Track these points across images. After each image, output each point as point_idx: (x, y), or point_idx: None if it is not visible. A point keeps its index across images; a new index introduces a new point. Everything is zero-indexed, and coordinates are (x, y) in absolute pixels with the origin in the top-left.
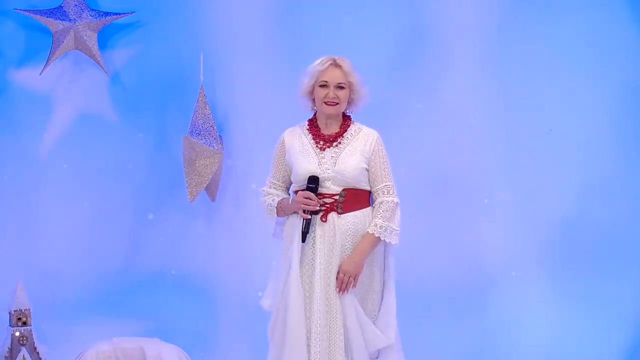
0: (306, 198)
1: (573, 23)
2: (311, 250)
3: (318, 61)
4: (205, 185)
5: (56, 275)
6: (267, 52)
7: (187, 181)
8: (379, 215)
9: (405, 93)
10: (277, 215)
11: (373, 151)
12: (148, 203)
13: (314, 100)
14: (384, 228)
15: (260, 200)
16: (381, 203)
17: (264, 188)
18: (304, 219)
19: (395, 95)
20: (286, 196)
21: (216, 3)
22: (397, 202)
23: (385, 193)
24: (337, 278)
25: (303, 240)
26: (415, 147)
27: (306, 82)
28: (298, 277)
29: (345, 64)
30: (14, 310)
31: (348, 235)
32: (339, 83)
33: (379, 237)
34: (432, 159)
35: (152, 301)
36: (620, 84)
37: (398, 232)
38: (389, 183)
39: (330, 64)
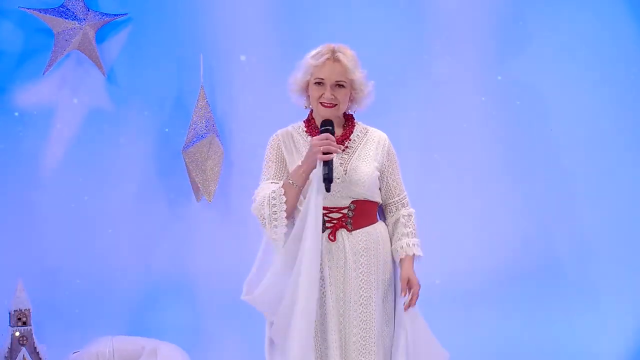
0: (323, 140)
1: (573, 23)
2: (319, 278)
3: (313, 53)
4: (216, 183)
5: (56, 275)
6: (267, 52)
7: (200, 183)
8: (410, 234)
9: (405, 94)
10: (286, 196)
11: (387, 156)
12: (148, 204)
13: (309, 97)
14: (417, 245)
15: (254, 206)
16: (407, 218)
17: (257, 190)
18: (324, 164)
19: (395, 96)
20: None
21: (216, 3)
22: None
23: (405, 206)
24: (409, 294)
25: (327, 190)
26: (413, 149)
27: (299, 77)
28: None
29: (346, 57)
30: (14, 310)
31: (361, 257)
32: (337, 81)
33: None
34: (430, 160)
35: (151, 301)
36: (620, 84)
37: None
38: (405, 193)
39: (328, 59)
